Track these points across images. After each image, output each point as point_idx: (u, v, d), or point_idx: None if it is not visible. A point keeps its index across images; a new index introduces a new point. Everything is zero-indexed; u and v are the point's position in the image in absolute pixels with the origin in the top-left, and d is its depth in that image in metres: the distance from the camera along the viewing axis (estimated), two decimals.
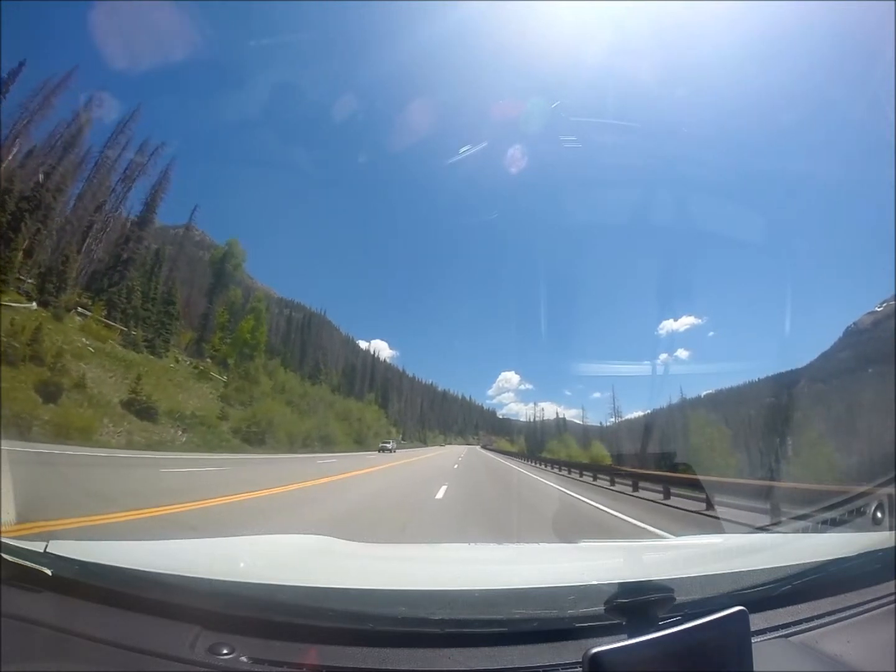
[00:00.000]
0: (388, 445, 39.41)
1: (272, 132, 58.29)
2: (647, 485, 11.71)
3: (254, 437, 23.96)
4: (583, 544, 2.64)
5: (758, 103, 43.76)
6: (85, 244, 37.87)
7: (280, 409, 30.86)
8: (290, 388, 41.87)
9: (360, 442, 44.33)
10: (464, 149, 47.70)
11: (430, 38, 38.82)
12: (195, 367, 35.53)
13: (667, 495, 10.11)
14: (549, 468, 24.02)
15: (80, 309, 32.20)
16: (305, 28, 43.29)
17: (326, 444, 35.07)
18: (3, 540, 1.23)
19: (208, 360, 39.88)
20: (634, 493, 11.47)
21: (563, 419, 77.80)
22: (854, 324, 72.97)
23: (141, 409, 19.36)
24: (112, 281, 36.69)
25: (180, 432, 19.34)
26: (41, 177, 33.14)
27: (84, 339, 26.77)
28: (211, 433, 21.12)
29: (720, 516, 7.11)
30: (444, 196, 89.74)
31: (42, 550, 1.23)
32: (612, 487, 13.41)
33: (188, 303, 44.85)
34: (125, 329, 31.81)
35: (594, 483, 14.95)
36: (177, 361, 34.48)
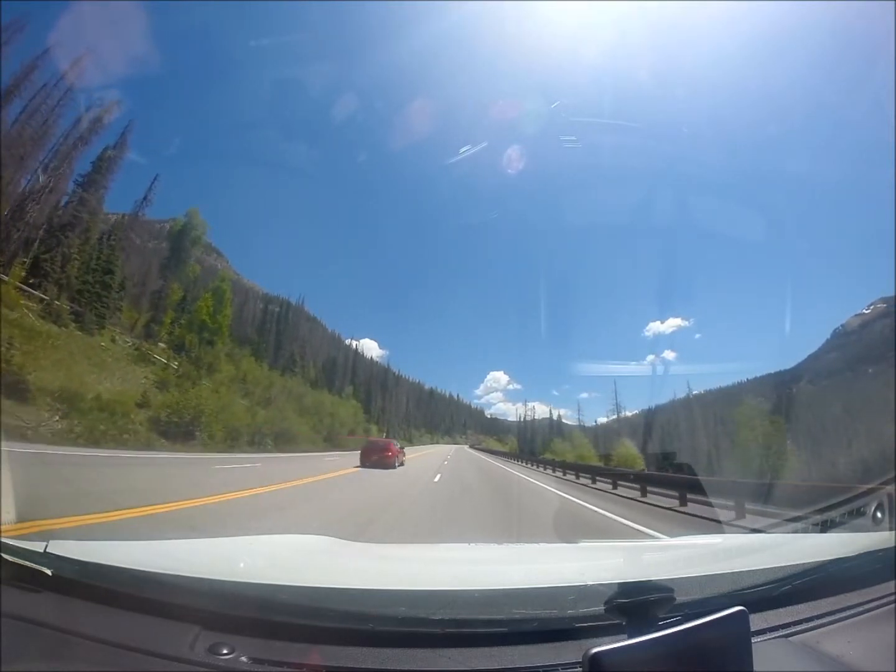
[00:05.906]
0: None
1: (270, 130, 54.71)
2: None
3: (175, 430, 19.30)
4: (583, 544, 2.63)
5: (757, 103, 41.21)
6: (28, 209, 33.33)
7: (223, 398, 26.14)
8: (252, 378, 37.23)
9: (331, 440, 39.54)
10: (463, 149, 45.04)
11: (430, 37, 35.93)
12: (136, 349, 30.77)
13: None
14: (574, 477, 17.50)
15: None
16: (303, 28, 39.97)
17: (285, 441, 30.21)
18: (3, 540, 1.20)
19: (161, 344, 35.21)
20: None
21: (559, 418, 73.58)
22: (842, 326, 73.35)
23: (6, 385, 14.67)
24: (47, 246, 32.09)
25: (56, 417, 14.71)
26: None
27: None
28: (109, 422, 16.51)
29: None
30: (442, 196, 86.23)
31: (42, 550, 1.20)
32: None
33: (144, 281, 40.35)
34: (46, 298, 27.06)
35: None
36: (113, 341, 29.70)
